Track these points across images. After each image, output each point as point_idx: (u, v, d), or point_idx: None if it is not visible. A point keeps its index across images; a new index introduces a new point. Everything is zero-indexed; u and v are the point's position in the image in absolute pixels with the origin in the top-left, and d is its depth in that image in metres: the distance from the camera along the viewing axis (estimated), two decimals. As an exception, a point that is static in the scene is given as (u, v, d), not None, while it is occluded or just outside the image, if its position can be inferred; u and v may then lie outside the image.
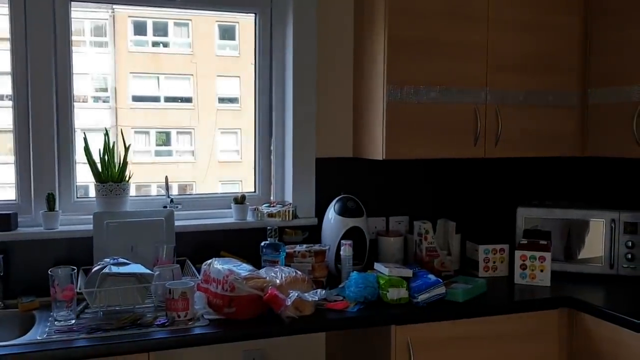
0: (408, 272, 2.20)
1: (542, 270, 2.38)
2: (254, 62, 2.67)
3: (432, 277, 2.18)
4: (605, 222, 2.47)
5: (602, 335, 2.09)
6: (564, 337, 2.24)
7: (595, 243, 2.50)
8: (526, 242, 2.45)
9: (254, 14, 2.64)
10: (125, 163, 2.33)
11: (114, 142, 2.36)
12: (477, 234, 2.67)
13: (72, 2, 2.37)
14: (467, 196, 2.86)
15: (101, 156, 2.32)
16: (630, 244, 2.43)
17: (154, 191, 3.17)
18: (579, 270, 2.53)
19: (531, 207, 2.61)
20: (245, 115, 2.92)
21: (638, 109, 2.30)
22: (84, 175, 2.43)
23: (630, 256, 2.44)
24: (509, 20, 2.45)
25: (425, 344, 2.07)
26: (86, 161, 2.32)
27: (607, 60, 2.48)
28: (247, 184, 2.77)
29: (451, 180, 2.83)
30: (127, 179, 2.34)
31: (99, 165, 2.31)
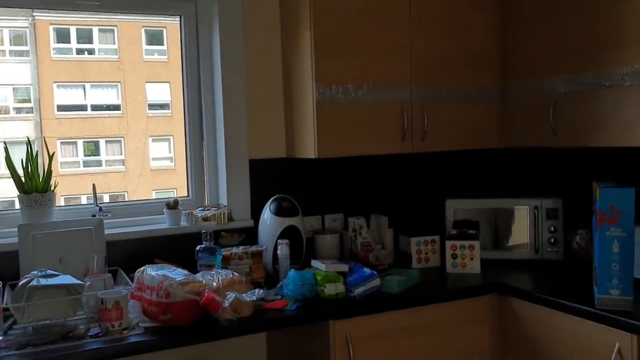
0: (344, 267, 2.24)
1: (472, 259, 2.47)
2: (181, 66, 2.64)
3: (367, 270, 2.22)
4: (529, 209, 2.59)
5: (530, 317, 2.20)
6: (495, 321, 2.33)
7: (521, 230, 2.62)
8: (456, 232, 2.53)
9: (179, 17, 2.61)
10: (49, 172, 2.26)
11: (37, 152, 2.28)
12: (409, 227, 2.74)
13: (-14, 8, 2.28)
14: (398, 191, 2.93)
15: (24, 166, 2.24)
16: (552, 229, 2.57)
17: (85, 201, 3.07)
18: (507, 257, 2.64)
19: (459, 198, 2.70)
20: (177, 122, 2.88)
21: (552, 100, 2.43)
22: (9, 189, 2.35)
23: (553, 240, 2.57)
24: (429, 19, 2.54)
25: (364, 336, 2.10)
26: (8, 173, 2.24)
27: (522, 54, 2.60)
28: (182, 192, 2.74)
29: (382, 176, 2.90)
30: (52, 188, 2.27)
31: (22, 177, 2.23)
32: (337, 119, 2.39)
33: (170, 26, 3.15)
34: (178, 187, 2.73)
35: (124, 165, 6.03)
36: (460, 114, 2.62)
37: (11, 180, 2.26)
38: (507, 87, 2.69)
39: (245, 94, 2.59)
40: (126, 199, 4.05)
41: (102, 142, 6.20)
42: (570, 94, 2.36)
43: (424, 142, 2.53)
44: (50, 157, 2.29)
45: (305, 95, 2.42)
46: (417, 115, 2.52)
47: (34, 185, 2.23)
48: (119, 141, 6.20)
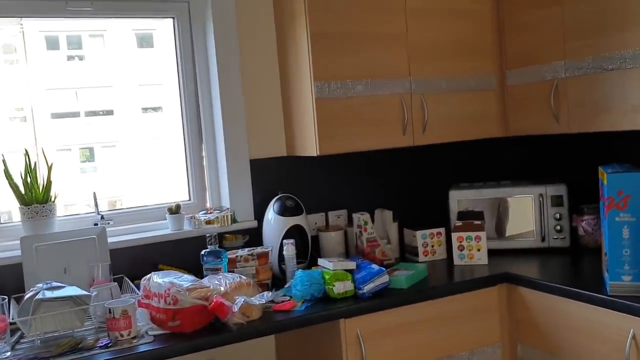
0: (352, 265, 2.22)
1: (479, 250, 2.46)
2: (176, 68, 2.61)
3: (375, 266, 2.20)
4: (533, 197, 2.58)
5: (541, 306, 2.18)
6: (504, 312, 2.32)
7: (526, 218, 2.60)
8: (461, 223, 2.52)
9: (171, 18, 2.58)
10: (49, 183, 2.23)
11: (35, 162, 2.25)
12: (413, 220, 2.72)
13: (-24, 18, 2.24)
14: (400, 184, 2.91)
15: (23, 178, 2.21)
16: (558, 216, 2.55)
17: (81, 209, 3.03)
18: (513, 246, 2.62)
19: (462, 189, 2.69)
20: (171, 124, 2.84)
21: (553, 86, 2.41)
22: (7, 201, 2.31)
23: (559, 227, 2.55)
24: (425, 9, 2.51)
25: (375, 333, 2.09)
26: (7, 184, 2.20)
27: (520, 41, 2.58)
28: (179, 194, 2.70)
29: (384, 171, 2.88)
30: (52, 199, 2.24)
31: (21, 188, 2.20)
32: (336, 115, 2.36)
33: (161, 28, 3.11)
34: (175, 189, 2.69)
35: (119, 169, 6.00)
36: (460, 104, 2.59)
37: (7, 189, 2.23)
38: (506, 74, 2.67)
39: (242, 94, 2.56)
40: (123, 204, 4.00)
41: (97, 147, 6.17)
42: (571, 78, 2.34)
43: (424, 134, 2.51)
44: (50, 168, 2.25)
45: (303, 92, 2.40)
46: (417, 107, 2.49)
47: (34, 196, 2.19)
48: (114, 146, 6.18)
